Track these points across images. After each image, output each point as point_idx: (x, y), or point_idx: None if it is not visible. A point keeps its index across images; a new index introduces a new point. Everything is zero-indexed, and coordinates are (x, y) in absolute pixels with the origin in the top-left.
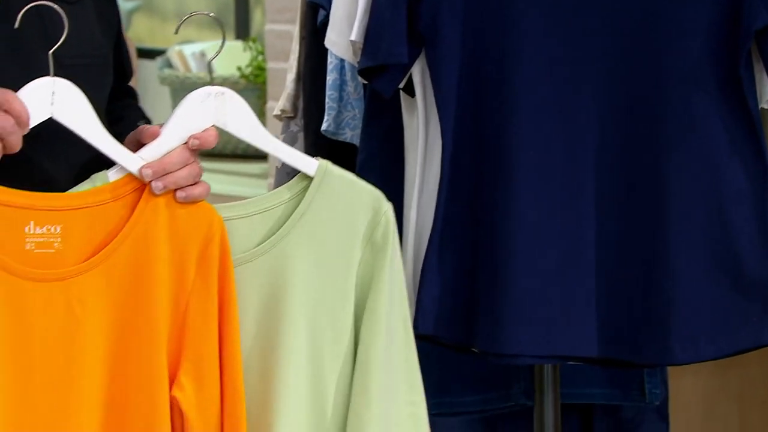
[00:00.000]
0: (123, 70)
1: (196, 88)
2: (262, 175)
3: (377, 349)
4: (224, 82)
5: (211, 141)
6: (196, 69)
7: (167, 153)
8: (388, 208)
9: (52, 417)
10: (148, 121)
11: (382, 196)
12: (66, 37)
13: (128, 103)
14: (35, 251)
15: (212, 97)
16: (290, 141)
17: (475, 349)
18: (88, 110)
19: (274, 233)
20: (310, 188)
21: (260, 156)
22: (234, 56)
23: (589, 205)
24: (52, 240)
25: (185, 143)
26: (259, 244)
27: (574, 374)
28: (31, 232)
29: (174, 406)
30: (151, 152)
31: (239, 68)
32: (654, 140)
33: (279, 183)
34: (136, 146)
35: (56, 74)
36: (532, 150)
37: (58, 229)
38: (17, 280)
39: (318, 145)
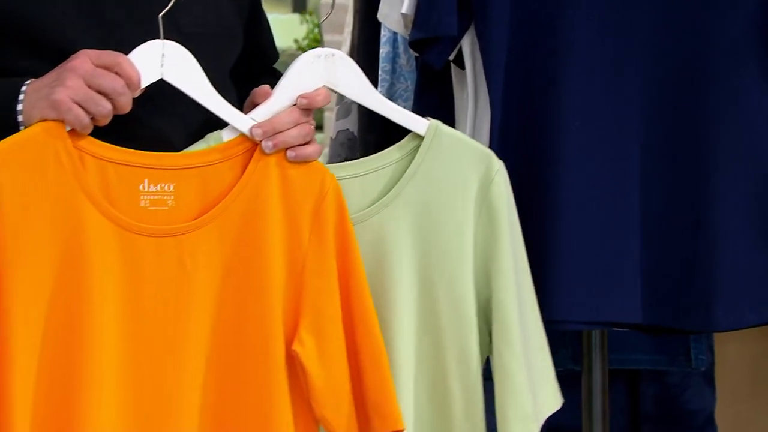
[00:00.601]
0: (262, 50)
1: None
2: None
3: (512, 303)
4: (281, 54)
5: (320, 100)
6: None
7: (278, 113)
8: (500, 166)
9: (164, 363)
10: None
11: (492, 154)
12: (188, 6)
13: (268, 81)
14: (149, 208)
15: (322, 59)
16: (344, 112)
17: None
18: (198, 72)
19: (386, 193)
20: (421, 147)
21: (316, 126)
22: (291, 29)
23: (634, 175)
24: (165, 198)
25: (295, 104)
26: (371, 204)
27: (622, 340)
28: (146, 189)
29: (295, 360)
30: (262, 112)
31: (296, 40)
32: (699, 110)
33: (333, 153)
34: (251, 108)
35: (176, 41)
36: (579, 120)
37: (171, 187)
38: (132, 235)
39: (371, 116)
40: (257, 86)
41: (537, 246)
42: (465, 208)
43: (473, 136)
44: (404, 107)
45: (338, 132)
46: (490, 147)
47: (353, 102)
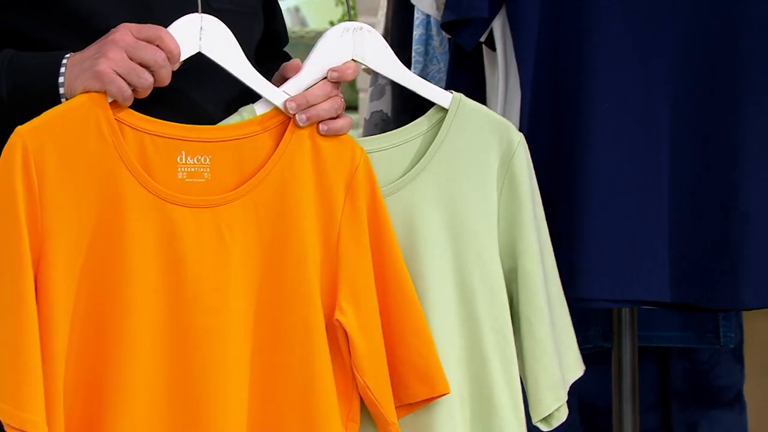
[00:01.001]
0: (277, 34)
1: (290, 42)
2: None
3: (537, 272)
4: (317, 35)
5: (350, 74)
6: (290, 23)
7: (310, 87)
8: (520, 139)
9: (208, 332)
10: None
11: (512, 126)
12: None
13: (282, 63)
14: (186, 180)
15: (350, 32)
16: (379, 93)
17: None
18: (234, 46)
19: (413, 166)
20: (446, 120)
21: (351, 107)
22: (327, 11)
23: (663, 155)
24: (202, 170)
25: (326, 77)
26: (399, 177)
27: (651, 318)
28: (183, 161)
29: (339, 329)
30: (293, 86)
31: (331, 22)
32: (728, 90)
33: (367, 134)
34: (282, 82)
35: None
36: (608, 100)
37: (208, 159)
38: (169, 206)
39: (404, 97)
40: (269, 69)
41: (567, 225)
42: (488, 179)
43: (504, 116)
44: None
45: (372, 113)
46: (520, 128)
47: (387, 83)
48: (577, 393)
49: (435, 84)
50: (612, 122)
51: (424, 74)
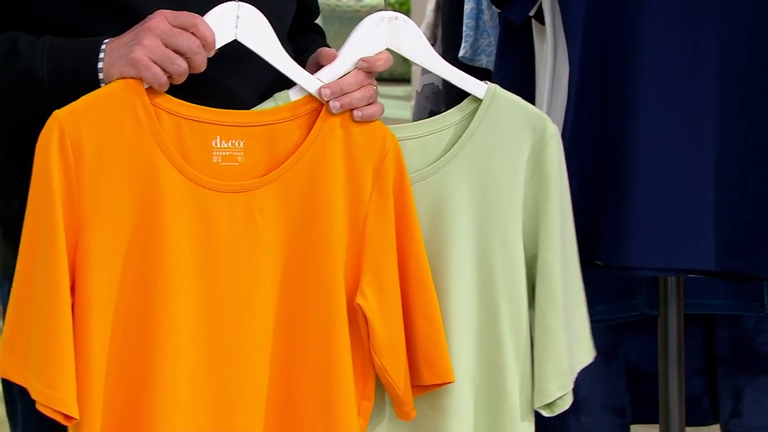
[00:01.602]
0: (308, 7)
1: (345, 16)
2: (406, 97)
3: (556, 263)
4: (371, 10)
5: (379, 65)
6: None
7: (344, 75)
8: (554, 131)
9: (237, 312)
10: None
11: (547, 119)
12: None
13: (314, 38)
14: (221, 164)
15: (386, 22)
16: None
17: (599, 262)
18: (270, 34)
19: (445, 153)
20: (479, 110)
21: (404, 79)
22: None
23: (710, 125)
24: (236, 154)
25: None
26: (429, 164)
27: (697, 285)
28: (218, 145)
29: (359, 312)
30: (328, 74)
31: None
32: None
33: (418, 106)
34: (316, 68)
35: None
36: (656, 73)
37: (242, 143)
38: (204, 190)
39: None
40: (302, 42)
41: (614, 196)
42: (518, 170)
43: (552, 90)
44: (487, 62)
45: (424, 85)
46: (568, 101)
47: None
48: (623, 359)
49: (486, 57)
50: (659, 93)
51: (474, 48)
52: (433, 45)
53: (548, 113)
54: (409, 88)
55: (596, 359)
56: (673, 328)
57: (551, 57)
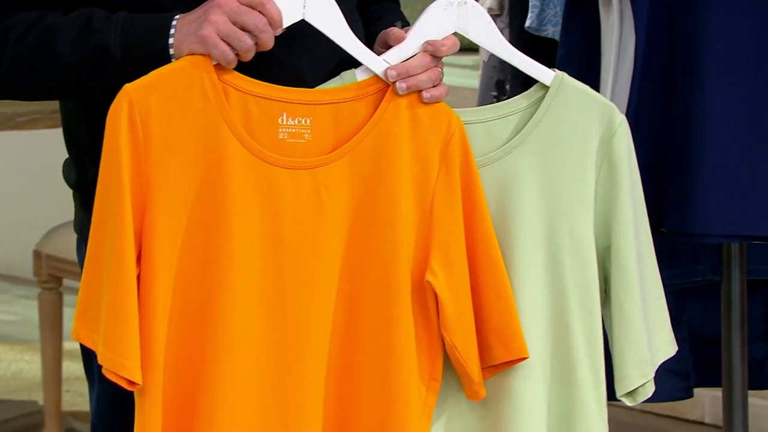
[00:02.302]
0: None
1: None
2: (474, 66)
3: (630, 251)
4: None
5: (444, 50)
6: None
7: (410, 57)
8: (622, 120)
9: (299, 287)
10: (406, 23)
11: (615, 108)
12: None
13: (388, 6)
14: (287, 141)
15: (454, 6)
16: None
17: (664, 229)
18: (338, 14)
19: (510, 139)
20: (546, 97)
21: (473, 48)
22: None
23: None
24: (302, 131)
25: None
26: (495, 149)
27: (760, 251)
28: (284, 122)
29: (428, 290)
30: (394, 55)
31: None
32: None
33: (485, 76)
34: (385, 47)
35: None
36: (722, 41)
37: (308, 121)
38: (270, 166)
39: (522, 41)
40: (375, 11)
41: (679, 163)
42: (587, 159)
43: (618, 59)
44: (553, 33)
45: (491, 56)
46: (634, 71)
47: (506, 27)
48: (687, 325)
49: (552, 28)
50: (725, 62)
51: (540, 18)
52: (499, 15)
53: (614, 83)
54: (476, 57)
55: None
56: (736, 294)
57: (617, 27)
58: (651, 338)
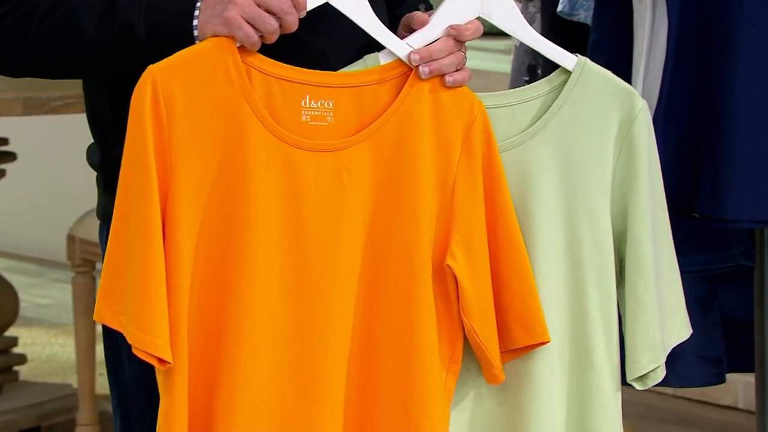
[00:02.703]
0: None
1: None
2: (506, 51)
3: (647, 236)
4: None
5: (467, 34)
6: None
7: (433, 42)
8: (643, 105)
9: (320, 269)
10: (429, 7)
11: (636, 93)
12: None
13: None
14: (310, 123)
15: None
16: (529, 20)
17: (696, 214)
18: None
19: (532, 124)
20: (568, 83)
21: (503, 33)
22: None
23: None
24: (325, 114)
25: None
26: (517, 134)
27: None
28: (307, 105)
29: (449, 274)
30: (417, 39)
31: None
32: None
33: (517, 61)
34: (408, 31)
35: None
36: (754, 27)
37: (331, 104)
38: (292, 149)
39: (554, 25)
40: None
41: (711, 149)
42: (606, 144)
43: (650, 43)
44: (585, 17)
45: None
46: (667, 56)
47: (537, 11)
48: (719, 310)
49: (584, 12)
50: (758, 47)
51: (572, 3)
52: (531, 0)
53: (646, 68)
54: (508, 42)
55: (692, 309)
56: None
57: (650, 11)
58: (664, 323)
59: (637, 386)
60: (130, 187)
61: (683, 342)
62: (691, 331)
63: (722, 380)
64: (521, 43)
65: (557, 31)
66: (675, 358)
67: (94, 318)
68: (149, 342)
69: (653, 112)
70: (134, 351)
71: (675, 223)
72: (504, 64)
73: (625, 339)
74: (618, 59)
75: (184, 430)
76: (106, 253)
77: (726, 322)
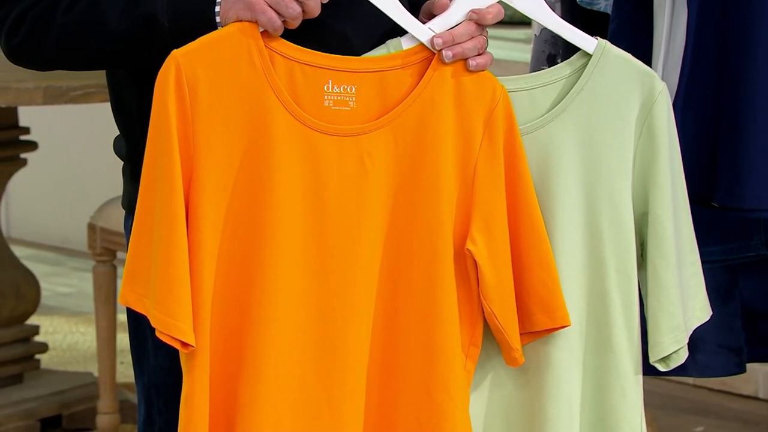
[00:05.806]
0: None
1: None
2: (526, 40)
3: (668, 218)
4: None
5: (489, 18)
6: None
7: (455, 26)
8: (662, 88)
9: (343, 253)
10: None
11: (656, 76)
12: None
13: None
14: (332, 108)
15: None
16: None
17: (715, 204)
18: None
19: (552, 107)
20: (589, 65)
21: (524, 22)
22: None
23: None
24: (347, 99)
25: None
26: (538, 117)
27: None
28: (330, 90)
29: (468, 258)
30: (439, 23)
31: None
32: None
33: (536, 50)
34: (429, 17)
35: None
36: None
37: (353, 89)
38: (315, 133)
39: (573, 14)
40: None
41: (730, 138)
42: (627, 126)
43: (670, 32)
44: (605, 6)
45: (542, 29)
46: (686, 45)
47: (557, 0)
48: (739, 299)
49: (604, 1)
50: None
51: None
52: None
53: (665, 57)
54: (529, 31)
55: (712, 299)
56: None
57: (669, 1)
58: (685, 304)
59: (660, 367)
60: (154, 172)
61: (703, 333)
62: (711, 312)
63: (742, 370)
64: (541, 32)
65: (577, 20)
66: (695, 348)
67: (119, 301)
68: (172, 325)
69: (672, 100)
70: (157, 334)
71: (694, 212)
72: (523, 54)
73: (647, 321)
74: (637, 48)
75: (205, 412)
76: (132, 235)
77: (746, 312)
